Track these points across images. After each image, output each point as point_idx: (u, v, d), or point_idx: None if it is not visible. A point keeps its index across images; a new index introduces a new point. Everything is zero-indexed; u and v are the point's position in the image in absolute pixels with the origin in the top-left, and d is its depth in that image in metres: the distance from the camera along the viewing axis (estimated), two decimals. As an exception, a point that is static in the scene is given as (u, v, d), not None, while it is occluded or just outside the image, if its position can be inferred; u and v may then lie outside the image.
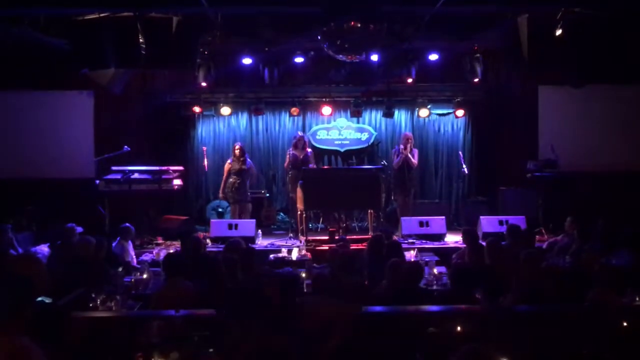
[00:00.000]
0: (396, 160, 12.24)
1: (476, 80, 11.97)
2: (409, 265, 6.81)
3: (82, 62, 9.42)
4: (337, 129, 14.54)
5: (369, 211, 11.86)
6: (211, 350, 4.05)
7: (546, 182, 12.27)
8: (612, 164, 12.38)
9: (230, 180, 12.11)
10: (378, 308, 5.25)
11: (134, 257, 9.56)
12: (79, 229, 9.45)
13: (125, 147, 11.75)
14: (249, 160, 12.28)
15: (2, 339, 3.43)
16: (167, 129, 13.72)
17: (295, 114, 13.88)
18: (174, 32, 9.08)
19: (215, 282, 6.19)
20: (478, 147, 14.47)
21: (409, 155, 12.20)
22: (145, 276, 7.45)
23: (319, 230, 12.46)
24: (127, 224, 9.57)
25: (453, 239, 11.21)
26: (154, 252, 9.85)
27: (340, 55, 9.00)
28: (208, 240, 10.75)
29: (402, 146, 12.27)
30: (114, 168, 11.52)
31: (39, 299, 4.29)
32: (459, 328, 4.58)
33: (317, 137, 14.46)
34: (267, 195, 13.52)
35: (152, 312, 5.41)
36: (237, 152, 12.11)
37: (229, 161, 12.28)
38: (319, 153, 14.30)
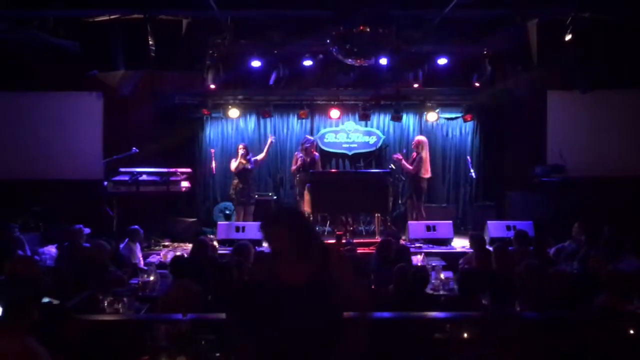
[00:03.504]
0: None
1: (485, 84, 11.96)
2: (415, 270, 6.81)
3: (92, 63, 9.45)
4: (345, 132, 14.55)
5: (376, 215, 11.86)
6: (218, 354, 4.06)
7: (554, 187, 12.24)
8: (621, 169, 12.35)
9: (234, 181, 12.15)
10: (385, 314, 5.23)
11: (141, 259, 9.58)
12: (87, 230, 9.47)
13: (134, 148, 11.76)
14: (252, 160, 12.29)
15: (9, 340, 3.44)
16: (175, 131, 13.74)
17: (303, 117, 13.92)
18: (183, 34, 9.10)
19: (222, 285, 6.18)
20: (486, 152, 14.44)
21: (404, 162, 12.24)
22: (152, 278, 7.46)
23: (326, 233, 12.45)
24: (136, 226, 9.59)
25: (460, 244, 11.21)
26: (161, 254, 9.89)
27: (349, 59, 8.99)
28: (215, 243, 10.76)
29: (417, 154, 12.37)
30: (122, 169, 11.52)
31: (45, 300, 4.31)
32: (465, 334, 4.58)
33: (325, 140, 14.47)
34: (275, 197, 13.53)
35: (159, 315, 5.42)
36: (241, 151, 12.11)
37: (233, 160, 12.28)
38: (327, 156, 14.33)
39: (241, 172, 12.04)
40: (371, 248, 10.32)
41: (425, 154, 12.25)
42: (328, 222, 12.69)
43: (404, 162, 12.26)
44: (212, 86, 11.84)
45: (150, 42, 8.79)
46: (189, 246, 10.59)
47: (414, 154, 12.32)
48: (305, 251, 3.62)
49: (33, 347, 3.47)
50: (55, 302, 4.55)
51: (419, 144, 12.34)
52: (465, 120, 14.19)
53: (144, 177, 11.43)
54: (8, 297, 3.55)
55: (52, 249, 9.48)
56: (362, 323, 3.68)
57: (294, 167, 12.41)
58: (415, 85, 11.96)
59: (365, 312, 3.73)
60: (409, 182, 12.45)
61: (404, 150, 12.98)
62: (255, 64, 11.56)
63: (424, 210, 12.36)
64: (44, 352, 3.50)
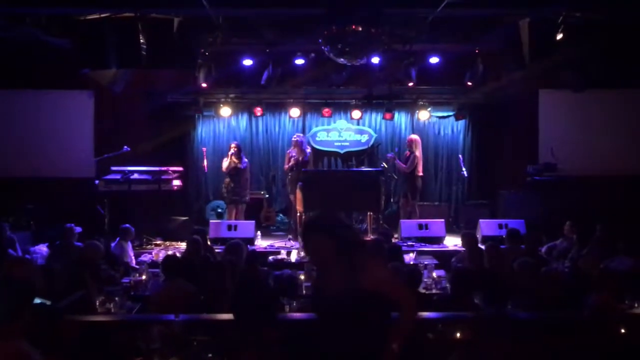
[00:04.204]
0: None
1: (477, 83, 11.97)
2: (407, 268, 6.80)
3: (83, 62, 9.42)
4: (337, 130, 14.55)
5: (368, 213, 11.86)
6: (210, 355, 4.05)
7: (546, 185, 12.27)
8: (612, 168, 12.39)
9: (226, 180, 12.13)
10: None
11: (133, 257, 9.56)
12: (78, 229, 9.44)
13: (125, 147, 11.73)
14: (245, 160, 12.27)
15: (2, 344, 3.42)
16: (167, 130, 13.70)
17: (295, 115, 13.90)
18: (175, 32, 9.08)
19: (214, 285, 6.17)
20: (478, 150, 14.47)
21: (398, 161, 12.27)
22: (144, 277, 7.46)
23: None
24: (127, 225, 9.57)
25: (452, 242, 11.21)
26: (152, 253, 9.86)
27: (341, 59, 8.99)
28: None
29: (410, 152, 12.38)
30: (113, 168, 11.50)
31: (38, 301, 4.28)
32: (458, 334, 4.58)
33: (317, 138, 14.47)
34: (267, 196, 13.51)
35: (151, 316, 5.40)
36: (232, 150, 12.10)
37: (225, 159, 12.26)
38: (319, 154, 14.32)
39: (232, 171, 12.02)
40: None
41: (419, 153, 12.27)
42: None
43: (397, 161, 12.27)
44: (204, 85, 11.79)
45: (142, 41, 8.76)
46: (181, 245, 10.62)
47: (407, 153, 12.33)
48: (345, 261, 3.57)
49: (26, 350, 3.44)
50: (47, 302, 4.52)
51: (413, 142, 12.35)
52: (457, 119, 14.20)
53: (136, 175, 11.41)
54: (1, 300, 3.53)
55: (43, 248, 9.44)
56: (407, 325, 3.66)
57: (286, 166, 12.38)
58: (410, 84, 11.93)
59: (410, 314, 3.70)
60: (403, 180, 12.43)
61: (396, 149, 12.99)
62: (247, 62, 11.53)
63: (418, 208, 12.41)
64: (36, 355, 3.48)
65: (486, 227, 11.28)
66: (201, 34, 10.03)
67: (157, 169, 11.65)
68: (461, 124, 14.48)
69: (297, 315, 5.15)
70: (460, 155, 13.54)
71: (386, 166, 12.62)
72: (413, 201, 12.28)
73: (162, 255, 9.01)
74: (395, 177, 12.83)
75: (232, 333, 4.00)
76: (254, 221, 11.63)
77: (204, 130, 14.53)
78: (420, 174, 12.30)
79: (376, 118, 14.58)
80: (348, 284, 3.52)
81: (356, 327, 3.52)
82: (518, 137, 13.63)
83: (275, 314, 4.14)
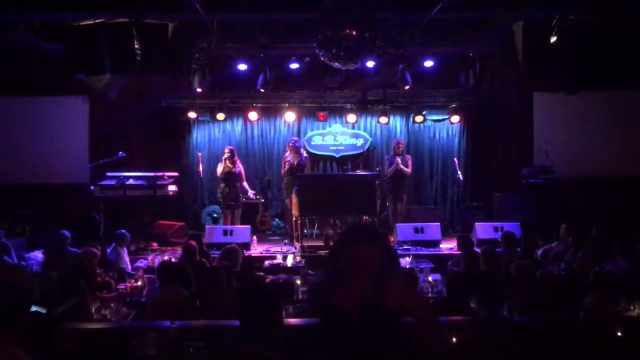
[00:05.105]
0: (389, 168, 12.35)
1: (471, 86, 11.98)
2: (403, 273, 6.80)
3: (78, 67, 9.39)
4: (332, 134, 14.55)
5: (364, 217, 11.85)
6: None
7: (541, 188, 12.28)
8: (607, 170, 12.39)
9: (221, 185, 12.11)
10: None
11: (129, 263, 9.54)
12: (71, 235, 9.40)
13: (120, 152, 11.72)
14: (239, 165, 12.24)
15: (-3, 352, 3.41)
16: (162, 135, 13.69)
17: (290, 119, 13.91)
18: (169, 38, 9.06)
19: (210, 290, 6.17)
20: (473, 153, 14.46)
21: (401, 165, 12.26)
22: (139, 283, 7.46)
23: (313, 235, 12.44)
24: (123, 230, 9.55)
25: (448, 246, 11.21)
26: (148, 259, 9.83)
27: (336, 63, 9.00)
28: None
29: (395, 155, 12.38)
30: (108, 174, 11.50)
31: (33, 309, 4.27)
32: (454, 338, 4.58)
33: (313, 142, 14.46)
34: (262, 200, 13.51)
35: (147, 323, 5.39)
36: (226, 154, 12.08)
37: (220, 164, 12.25)
38: (314, 158, 14.29)
39: (227, 175, 11.99)
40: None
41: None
42: (316, 225, 12.66)
43: (401, 165, 12.27)
44: (199, 89, 11.80)
45: (137, 46, 8.74)
46: (177, 250, 10.61)
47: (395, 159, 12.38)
48: (378, 271, 3.47)
49: (20, 357, 3.43)
50: (42, 310, 4.50)
51: (404, 145, 12.47)
52: (452, 122, 14.19)
53: (131, 181, 11.40)
54: None
55: (38, 255, 9.40)
56: (432, 331, 3.61)
57: (283, 171, 12.36)
58: (407, 87, 11.94)
59: (431, 325, 3.64)
60: (400, 183, 12.41)
61: (391, 153, 12.95)
62: (242, 67, 11.53)
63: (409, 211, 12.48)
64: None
65: (482, 230, 11.28)
66: (195, 39, 10.02)
67: (152, 174, 11.64)
68: (456, 127, 14.47)
69: (295, 320, 5.13)
70: (455, 159, 13.55)
71: (380, 169, 12.63)
72: (405, 203, 12.37)
73: (157, 260, 9.01)
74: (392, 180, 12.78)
75: (233, 338, 3.99)
76: (249, 226, 11.61)
77: (199, 135, 14.51)
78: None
79: (371, 122, 14.58)
80: (372, 295, 3.41)
81: (368, 337, 3.44)
82: (513, 139, 13.63)
83: (280, 318, 4.13)
